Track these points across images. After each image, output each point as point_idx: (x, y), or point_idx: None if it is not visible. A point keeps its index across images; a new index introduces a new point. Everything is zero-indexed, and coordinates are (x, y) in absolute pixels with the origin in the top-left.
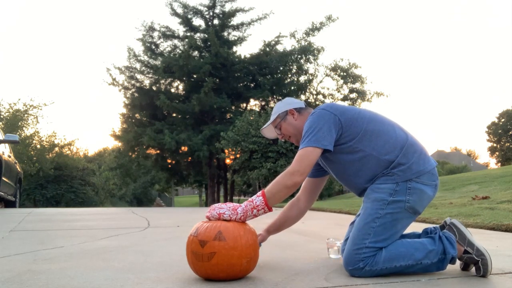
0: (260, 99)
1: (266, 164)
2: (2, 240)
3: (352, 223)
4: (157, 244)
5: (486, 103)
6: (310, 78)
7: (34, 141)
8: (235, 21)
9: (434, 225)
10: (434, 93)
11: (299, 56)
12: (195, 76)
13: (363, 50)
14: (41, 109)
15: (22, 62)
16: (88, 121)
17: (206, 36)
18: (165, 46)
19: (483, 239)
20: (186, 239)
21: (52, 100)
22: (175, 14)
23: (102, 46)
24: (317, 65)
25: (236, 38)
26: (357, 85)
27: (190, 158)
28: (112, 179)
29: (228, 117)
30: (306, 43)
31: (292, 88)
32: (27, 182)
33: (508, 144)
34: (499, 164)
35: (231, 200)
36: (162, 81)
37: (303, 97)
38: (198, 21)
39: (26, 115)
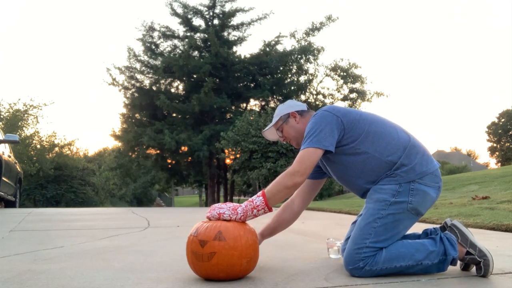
0: (260, 99)
1: (266, 164)
2: (2, 240)
3: (354, 222)
4: (157, 244)
5: (486, 103)
6: (310, 78)
7: (34, 141)
8: (235, 21)
9: (434, 226)
10: (434, 93)
11: (299, 56)
12: (195, 76)
13: (363, 50)
14: (41, 109)
15: (22, 62)
16: (88, 121)
17: (206, 36)
18: (165, 46)
19: (483, 239)
20: (186, 239)
21: (52, 100)
22: (175, 14)
23: (102, 46)
24: (317, 65)
25: (236, 38)
26: (357, 85)
27: (190, 158)
28: (112, 179)
29: (228, 117)
30: (306, 43)
31: (292, 88)
32: (27, 182)
33: (508, 144)
34: (499, 164)
35: (231, 200)
36: (162, 81)
37: (303, 97)
38: (198, 21)
39: (26, 115)
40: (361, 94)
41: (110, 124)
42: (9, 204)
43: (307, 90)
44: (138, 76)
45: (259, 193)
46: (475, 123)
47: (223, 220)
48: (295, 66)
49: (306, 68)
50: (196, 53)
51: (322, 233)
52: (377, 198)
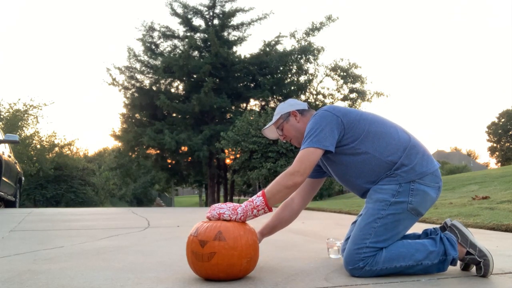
0: (260, 99)
1: (266, 164)
2: (2, 240)
3: (354, 222)
4: (157, 244)
5: (486, 103)
6: (310, 78)
7: (34, 141)
8: (235, 21)
9: (434, 226)
10: (434, 93)
11: (299, 56)
12: (195, 76)
13: (363, 50)
14: (41, 109)
15: (22, 62)
16: (88, 121)
17: (206, 36)
18: (165, 46)
19: (483, 239)
20: (186, 239)
21: (52, 100)
22: (175, 14)
23: (102, 46)
24: (317, 65)
25: (236, 38)
26: (357, 85)
27: (190, 158)
28: (112, 179)
29: (228, 117)
30: (306, 43)
31: (292, 88)
32: (27, 182)
33: (508, 144)
34: (499, 164)
35: (231, 200)
36: (162, 81)
37: (303, 97)
38: (198, 21)
39: (26, 115)
40: (361, 94)
41: (110, 124)
42: (9, 204)
43: (307, 90)
44: (138, 76)
45: (259, 193)
46: (475, 123)
47: (223, 220)
48: (295, 66)
49: (306, 68)
50: (196, 53)
51: (322, 233)
52: (377, 198)
